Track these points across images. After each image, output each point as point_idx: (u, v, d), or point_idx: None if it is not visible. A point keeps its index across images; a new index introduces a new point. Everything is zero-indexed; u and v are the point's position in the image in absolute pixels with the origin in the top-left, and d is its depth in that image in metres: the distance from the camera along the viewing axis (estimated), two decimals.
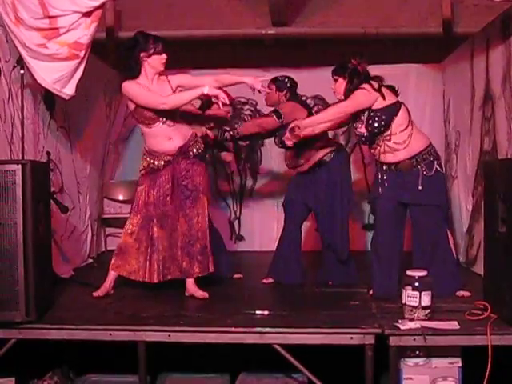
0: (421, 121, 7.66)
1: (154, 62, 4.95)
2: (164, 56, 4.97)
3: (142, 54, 4.91)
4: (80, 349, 4.46)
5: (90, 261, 6.97)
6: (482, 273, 4.90)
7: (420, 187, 4.86)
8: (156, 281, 5.01)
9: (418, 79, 7.86)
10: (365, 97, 4.85)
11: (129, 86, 4.90)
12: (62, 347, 4.45)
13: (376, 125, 4.86)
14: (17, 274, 4.08)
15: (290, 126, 5.08)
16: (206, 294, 5.00)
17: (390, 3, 8.08)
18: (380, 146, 4.94)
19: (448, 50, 7.46)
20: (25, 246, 4.09)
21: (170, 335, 4.12)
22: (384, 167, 5.01)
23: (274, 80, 5.81)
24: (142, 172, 5.13)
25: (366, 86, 4.88)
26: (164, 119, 4.97)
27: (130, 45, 4.96)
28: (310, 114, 5.65)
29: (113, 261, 5.10)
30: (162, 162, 5.05)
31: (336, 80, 5.04)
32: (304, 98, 7.89)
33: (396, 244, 5.02)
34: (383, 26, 7.98)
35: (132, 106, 4.97)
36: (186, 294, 5.07)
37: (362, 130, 4.97)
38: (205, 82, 4.89)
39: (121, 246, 5.10)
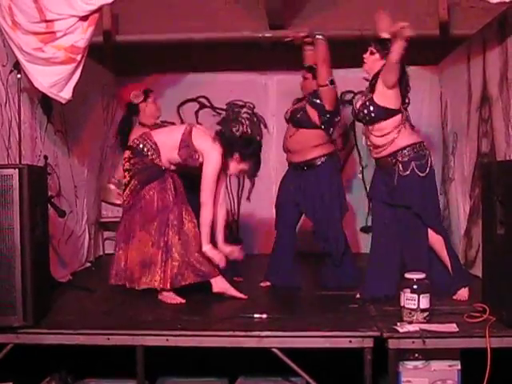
0: (418, 123, 7.63)
1: (234, 169, 5.13)
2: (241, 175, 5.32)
3: (237, 154, 5.04)
4: (78, 353, 4.45)
5: (88, 265, 6.96)
6: (480, 275, 4.89)
7: (394, 185, 4.87)
8: (169, 287, 4.93)
9: (414, 81, 7.76)
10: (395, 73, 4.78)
11: (219, 159, 4.97)
12: (59, 352, 4.43)
13: (365, 111, 4.87)
14: (14, 278, 4.07)
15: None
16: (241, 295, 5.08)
17: (386, 6, 8.05)
18: (367, 137, 4.99)
19: (445, 52, 7.47)
20: (22, 251, 4.08)
21: (168, 339, 4.10)
22: (376, 165, 5.07)
23: (310, 69, 5.71)
24: (138, 167, 4.98)
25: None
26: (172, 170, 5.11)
27: (243, 140, 5.18)
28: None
29: (143, 279, 4.93)
30: (162, 163, 5.01)
31: (373, 53, 4.95)
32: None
33: (391, 245, 5.01)
34: None
35: (199, 154, 4.98)
36: (216, 291, 5.06)
37: (357, 104, 5.00)
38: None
39: (146, 259, 4.92)
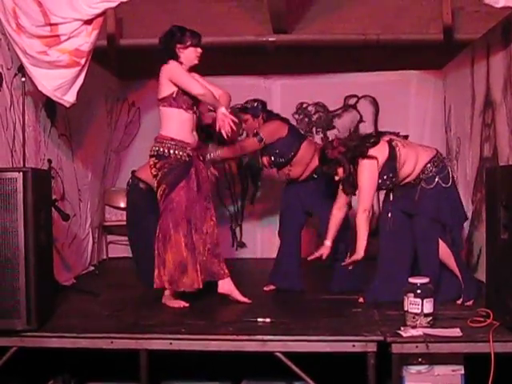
0: (422, 127, 7.70)
1: (190, 55, 4.99)
2: (199, 50, 5.02)
3: (178, 46, 4.95)
4: (82, 357, 4.45)
5: (92, 268, 6.96)
6: (483, 279, 4.89)
7: (416, 198, 4.90)
8: (202, 286, 4.94)
9: (418, 86, 7.87)
10: (371, 178, 4.87)
11: (175, 66, 4.91)
12: (63, 355, 4.43)
13: (388, 182, 4.94)
14: (18, 282, 4.08)
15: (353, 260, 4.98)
16: (245, 299, 5.08)
17: (390, 10, 8.09)
18: None
19: (449, 57, 7.46)
20: (26, 254, 4.09)
21: (171, 343, 4.10)
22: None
23: (245, 110, 5.75)
24: (164, 170, 4.93)
25: (362, 163, 4.87)
26: (195, 108, 5.02)
27: (166, 37, 5.01)
28: (289, 126, 5.71)
29: (183, 281, 4.89)
30: (186, 154, 4.94)
31: (336, 173, 4.99)
32: (305, 106, 7.93)
33: (402, 253, 5.02)
34: (384, 33, 7.99)
35: (171, 90, 4.90)
36: (221, 291, 5.09)
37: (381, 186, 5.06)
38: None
39: (182, 262, 4.90)
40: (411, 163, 4.90)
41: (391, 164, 4.88)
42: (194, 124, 5.08)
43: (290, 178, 5.76)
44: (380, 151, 4.88)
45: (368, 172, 4.85)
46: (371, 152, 4.86)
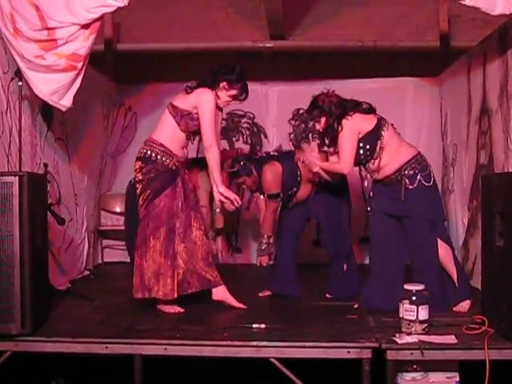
0: (418, 134, 7.70)
1: (224, 98, 5.02)
2: (233, 102, 5.08)
3: (224, 83, 4.96)
4: (76, 362, 4.44)
5: (87, 273, 6.95)
6: (478, 286, 4.89)
7: (402, 199, 4.88)
8: (176, 296, 4.89)
9: (415, 93, 7.88)
10: (351, 138, 4.87)
11: (211, 99, 4.91)
12: (57, 360, 4.42)
13: (361, 152, 4.91)
14: (13, 285, 4.06)
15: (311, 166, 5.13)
16: (240, 305, 5.06)
17: (387, 17, 8.13)
18: (368, 166, 5.02)
19: (445, 64, 7.49)
20: (21, 258, 4.08)
21: (166, 348, 4.09)
22: (375, 181, 5.08)
23: (237, 173, 5.70)
24: (151, 175, 4.92)
25: (344, 122, 4.87)
26: (192, 136, 5.05)
27: (223, 69, 5.00)
28: (277, 159, 5.66)
29: (156, 288, 4.87)
30: (172, 163, 4.93)
31: (319, 121, 4.99)
32: (302, 112, 7.92)
33: (390, 257, 5.01)
34: (381, 40, 8.03)
35: (188, 108, 4.90)
36: (216, 298, 5.06)
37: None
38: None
39: (154, 269, 4.87)
40: (391, 150, 4.89)
41: (372, 137, 4.87)
42: (186, 143, 5.09)
43: (298, 201, 5.72)
44: (367, 120, 4.91)
45: (349, 131, 4.85)
46: (358, 117, 4.89)
